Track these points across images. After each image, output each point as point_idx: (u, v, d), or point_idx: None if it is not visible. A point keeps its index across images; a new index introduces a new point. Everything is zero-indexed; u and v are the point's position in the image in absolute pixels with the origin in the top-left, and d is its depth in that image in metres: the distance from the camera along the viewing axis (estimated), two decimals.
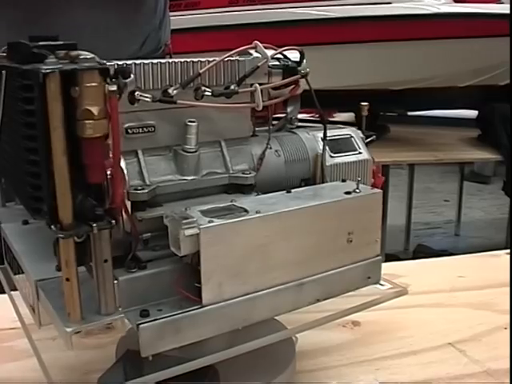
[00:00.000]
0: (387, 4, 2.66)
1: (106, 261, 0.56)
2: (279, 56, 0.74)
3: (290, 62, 0.74)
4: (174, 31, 2.83)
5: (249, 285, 0.62)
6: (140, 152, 0.65)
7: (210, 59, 0.67)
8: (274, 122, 0.80)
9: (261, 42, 0.71)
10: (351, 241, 0.67)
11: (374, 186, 0.79)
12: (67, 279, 0.55)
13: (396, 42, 2.63)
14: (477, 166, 4.66)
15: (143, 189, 0.62)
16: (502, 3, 2.81)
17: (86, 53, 0.53)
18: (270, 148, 0.73)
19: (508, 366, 0.78)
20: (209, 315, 0.60)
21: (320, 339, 0.85)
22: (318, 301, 0.68)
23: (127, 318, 0.59)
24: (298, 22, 2.63)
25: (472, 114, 3.07)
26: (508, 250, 1.22)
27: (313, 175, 0.75)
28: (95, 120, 0.51)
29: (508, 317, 0.91)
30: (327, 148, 0.75)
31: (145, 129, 0.65)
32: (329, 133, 0.77)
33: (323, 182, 0.74)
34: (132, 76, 0.58)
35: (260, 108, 0.69)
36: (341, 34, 2.57)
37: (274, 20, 2.65)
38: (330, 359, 0.82)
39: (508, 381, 0.77)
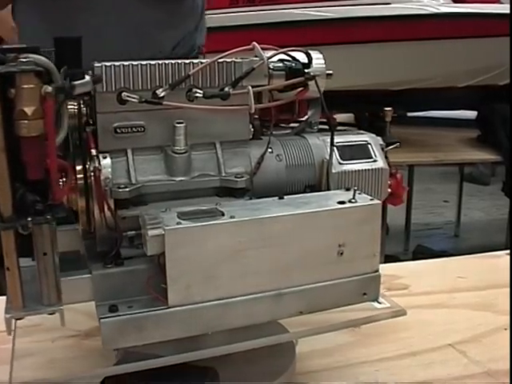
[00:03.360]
0: (386, 4, 2.66)
1: (45, 254, 0.58)
2: (285, 57, 0.72)
3: (293, 64, 0.72)
4: None
5: (221, 290, 0.61)
6: (129, 151, 0.66)
7: (203, 61, 0.67)
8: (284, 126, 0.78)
9: (261, 43, 0.70)
10: (342, 253, 0.65)
11: (396, 196, 0.76)
12: (8, 268, 0.58)
13: (395, 43, 2.63)
14: (474, 172, 4.66)
15: (126, 187, 0.63)
16: (502, 3, 2.81)
17: (36, 56, 0.55)
18: (272, 152, 0.72)
19: (508, 366, 0.78)
20: (175, 317, 0.61)
21: (320, 340, 0.85)
22: (302, 313, 0.66)
23: (96, 311, 0.61)
24: (298, 23, 2.63)
25: (471, 114, 3.07)
26: (508, 251, 1.22)
27: (319, 182, 0.73)
28: (30, 120, 0.53)
29: (508, 317, 0.91)
30: (337, 154, 0.73)
31: (134, 129, 0.66)
32: (344, 138, 0.74)
33: (328, 190, 0.72)
34: (87, 78, 0.59)
35: (252, 111, 0.68)
36: (340, 35, 2.57)
37: (275, 21, 2.65)
38: (330, 360, 0.82)
39: (508, 381, 0.77)
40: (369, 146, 0.75)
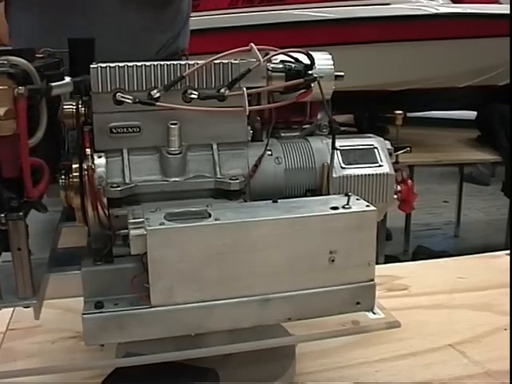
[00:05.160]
0: (386, 5, 2.67)
1: (19, 249, 0.60)
2: (288, 59, 0.71)
3: (293, 66, 0.71)
4: None
5: (204, 292, 0.61)
6: (125, 151, 0.67)
7: (199, 62, 0.66)
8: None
9: (261, 44, 0.69)
10: (333, 260, 0.63)
11: (406, 202, 0.74)
12: None
13: (395, 43, 2.63)
14: (474, 172, 4.66)
15: (118, 186, 0.64)
16: (501, 3, 2.82)
17: (15, 58, 0.56)
18: (271, 154, 0.71)
19: (508, 367, 0.78)
20: (157, 316, 0.61)
21: (320, 341, 0.85)
22: (290, 320, 0.65)
23: (83, 307, 0.62)
24: (297, 24, 2.63)
25: (471, 114, 3.07)
26: (508, 251, 1.22)
27: (319, 186, 0.71)
28: (2, 120, 0.55)
29: (508, 318, 0.91)
30: (340, 158, 0.71)
31: (130, 129, 0.66)
32: (348, 142, 0.73)
33: (329, 194, 0.70)
34: (67, 79, 0.60)
35: (246, 112, 0.67)
36: (340, 35, 2.57)
37: (274, 22, 2.65)
38: (329, 361, 0.82)
39: (508, 382, 0.77)
40: (375, 150, 0.73)
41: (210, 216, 0.61)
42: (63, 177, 0.65)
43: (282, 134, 0.75)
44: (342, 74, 0.73)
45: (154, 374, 0.68)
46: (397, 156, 0.76)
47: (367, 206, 0.65)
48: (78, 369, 0.75)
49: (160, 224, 0.59)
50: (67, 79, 0.61)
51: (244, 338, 0.67)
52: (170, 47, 1.31)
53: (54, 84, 0.59)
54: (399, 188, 0.74)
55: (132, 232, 0.59)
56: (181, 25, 1.34)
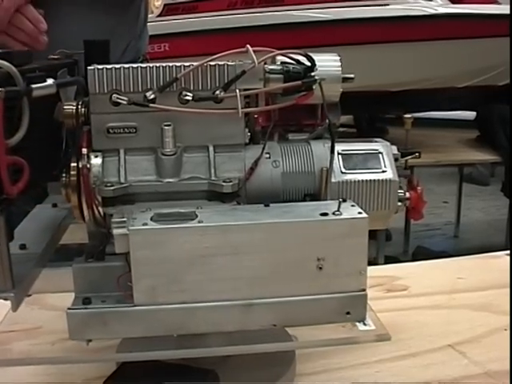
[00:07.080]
0: (385, 6, 2.67)
1: None
2: (287, 60, 0.70)
3: (292, 67, 0.69)
4: (172, 35, 2.83)
5: (186, 294, 0.61)
6: (122, 151, 0.67)
7: (195, 63, 0.66)
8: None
9: (259, 46, 0.68)
10: (321, 268, 0.61)
11: (416, 210, 0.73)
12: None
13: (394, 44, 2.63)
14: (473, 172, 4.67)
15: (112, 185, 0.64)
16: (500, 4, 2.82)
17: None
18: (269, 157, 0.70)
19: (508, 367, 0.78)
20: (139, 315, 0.61)
21: None
22: (275, 326, 0.64)
23: (72, 302, 0.63)
24: (296, 25, 2.64)
25: (471, 115, 3.07)
26: (507, 251, 1.21)
27: (318, 191, 0.69)
28: None
29: (508, 318, 0.91)
30: (340, 163, 0.70)
31: (126, 129, 0.67)
32: (351, 146, 0.71)
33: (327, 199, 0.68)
34: (49, 81, 0.62)
35: (240, 114, 0.66)
36: (339, 36, 2.57)
37: (273, 23, 2.65)
38: (329, 362, 0.82)
39: (508, 382, 0.77)
40: (379, 155, 0.71)
41: (195, 218, 0.61)
42: (64, 175, 0.66)
43: (290, 137, 0.74)
44: (351, 76, 0.72)
45: (155, 375, 0.68)
46: (406, 161, 0.74)
47: (359, 212, 0.63)
48: (77, 362, 0.75)
49: (143, 224, 0.59)
50: (49, 81, 0.62)
51: (244, 340, 0.67)
52: (132, 50, 1.33)
53: (34, 86, 0.60)
54: (408, 195, 0.72)
55: (115, 231, 0.60)
56: (141, 27, 1.37)
